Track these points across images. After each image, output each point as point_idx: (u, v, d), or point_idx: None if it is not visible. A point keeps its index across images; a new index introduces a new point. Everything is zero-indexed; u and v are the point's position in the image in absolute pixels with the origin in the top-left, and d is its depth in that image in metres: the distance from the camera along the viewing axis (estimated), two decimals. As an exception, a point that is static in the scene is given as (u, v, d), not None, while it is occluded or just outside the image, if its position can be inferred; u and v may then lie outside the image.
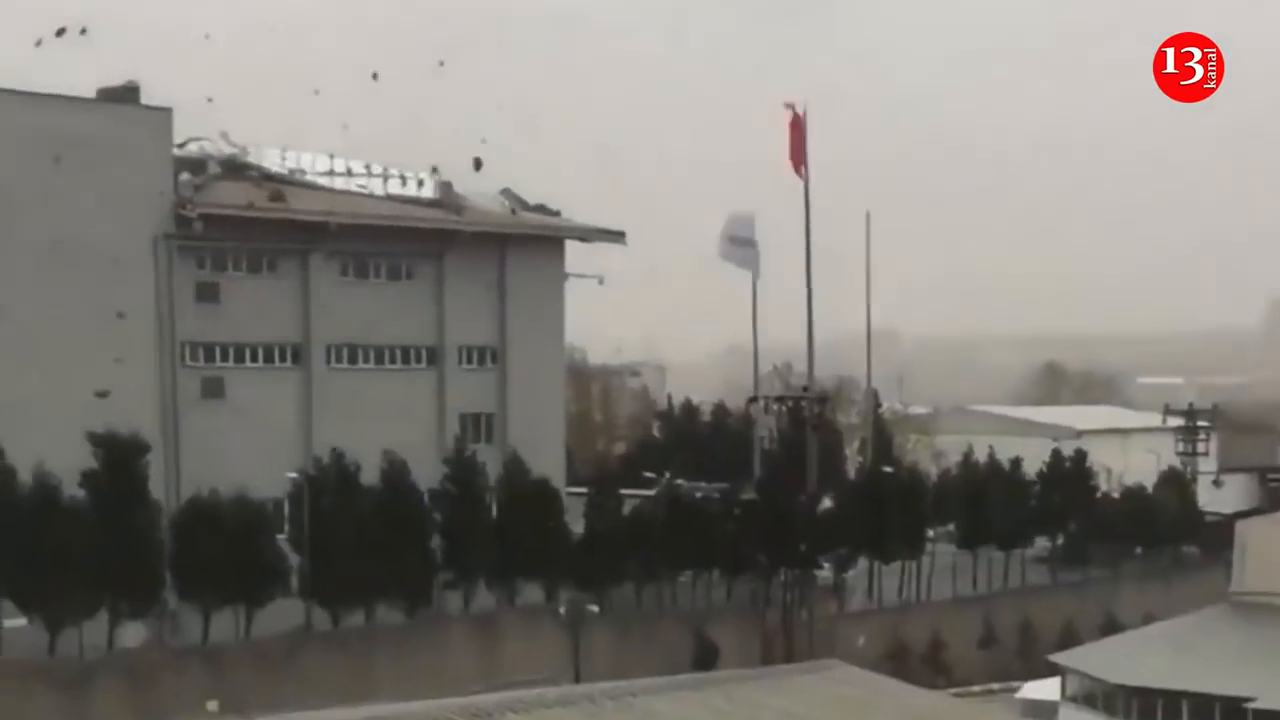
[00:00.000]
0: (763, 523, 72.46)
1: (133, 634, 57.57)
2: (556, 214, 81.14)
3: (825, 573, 76.12)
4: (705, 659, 66.80)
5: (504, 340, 78.19)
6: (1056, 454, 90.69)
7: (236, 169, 71.75)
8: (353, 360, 73.82)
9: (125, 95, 66.17)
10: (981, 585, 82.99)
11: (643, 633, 68.11)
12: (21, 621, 54.36)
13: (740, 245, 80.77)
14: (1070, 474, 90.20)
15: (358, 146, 74.09)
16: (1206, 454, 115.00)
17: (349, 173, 74.53)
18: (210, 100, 63.55)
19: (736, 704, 23.34)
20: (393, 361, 75.30)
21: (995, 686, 72.35)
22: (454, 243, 75.54)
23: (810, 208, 78.80)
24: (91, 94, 66.09)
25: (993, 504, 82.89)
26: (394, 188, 75.28)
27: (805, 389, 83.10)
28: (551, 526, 66.22)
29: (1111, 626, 78.18)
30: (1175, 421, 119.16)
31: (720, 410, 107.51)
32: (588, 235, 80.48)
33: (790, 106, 77.53)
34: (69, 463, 54.52)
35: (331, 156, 74.39)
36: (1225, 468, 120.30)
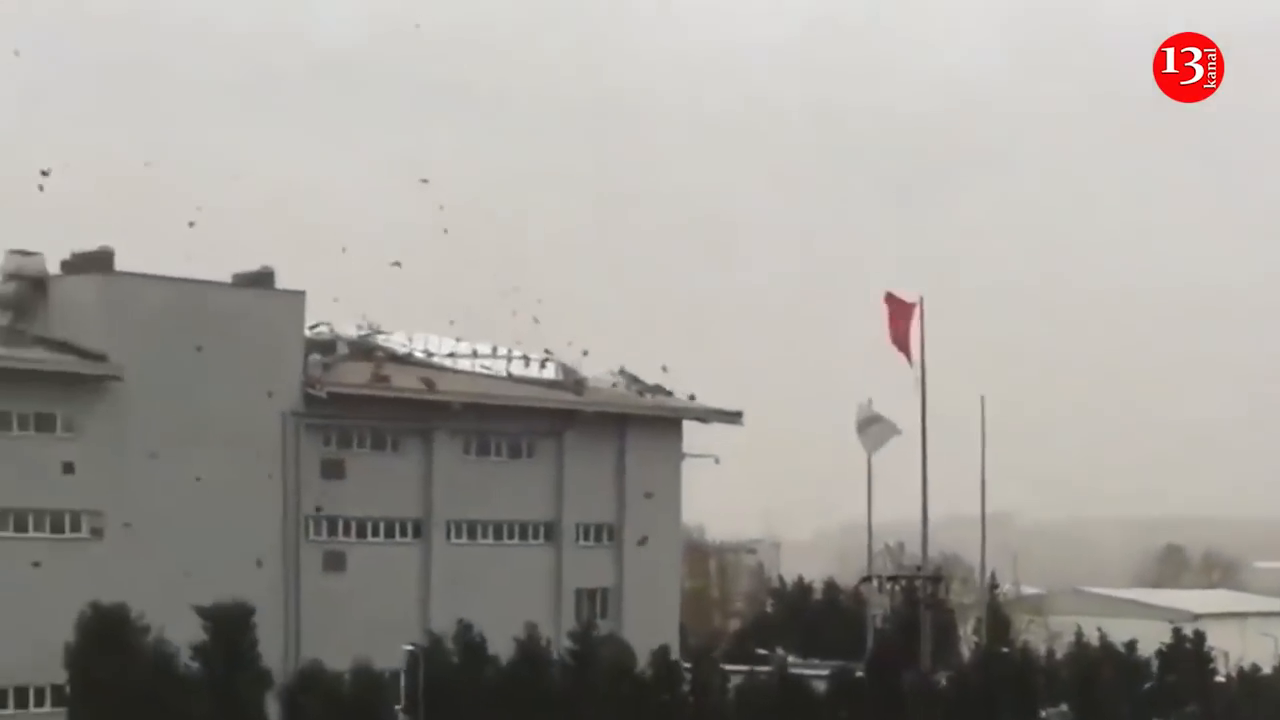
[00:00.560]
0: (874, 702, 72.64)
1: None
2: (671, 394, 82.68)
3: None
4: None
5: (621, 517, 79.56)
6: (1178, 635, 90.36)
7: (365, 350, 74.19)
8: (472, 535, 75.41)
9: (261, 279, 68.90)
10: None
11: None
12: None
13: (874, 425, 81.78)
14: (1187, 656, 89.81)
15: (482, 328, 76.39)
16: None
17: (474, 354, 76.78)
18: (336, 294, 66.03)
19: None
20: (511, 537, 76.80)
21: None
22: (573, 422, 77.31)
23: (925, 390, 79.87)
24: (228, 278, 68.94)
25: (1106, 686, 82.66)
26: (517, 368, 77.37)
27: (919, 568, 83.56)
28: (668, 699, 66.61)
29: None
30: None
31: (833, 588, 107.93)
32: (705, 416, 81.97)
33: (892, 296, 79.07)
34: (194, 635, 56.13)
35: (457, 339, 76.83)
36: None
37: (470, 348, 77.08)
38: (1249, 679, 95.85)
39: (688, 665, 73.12)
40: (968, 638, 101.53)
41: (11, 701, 61.95)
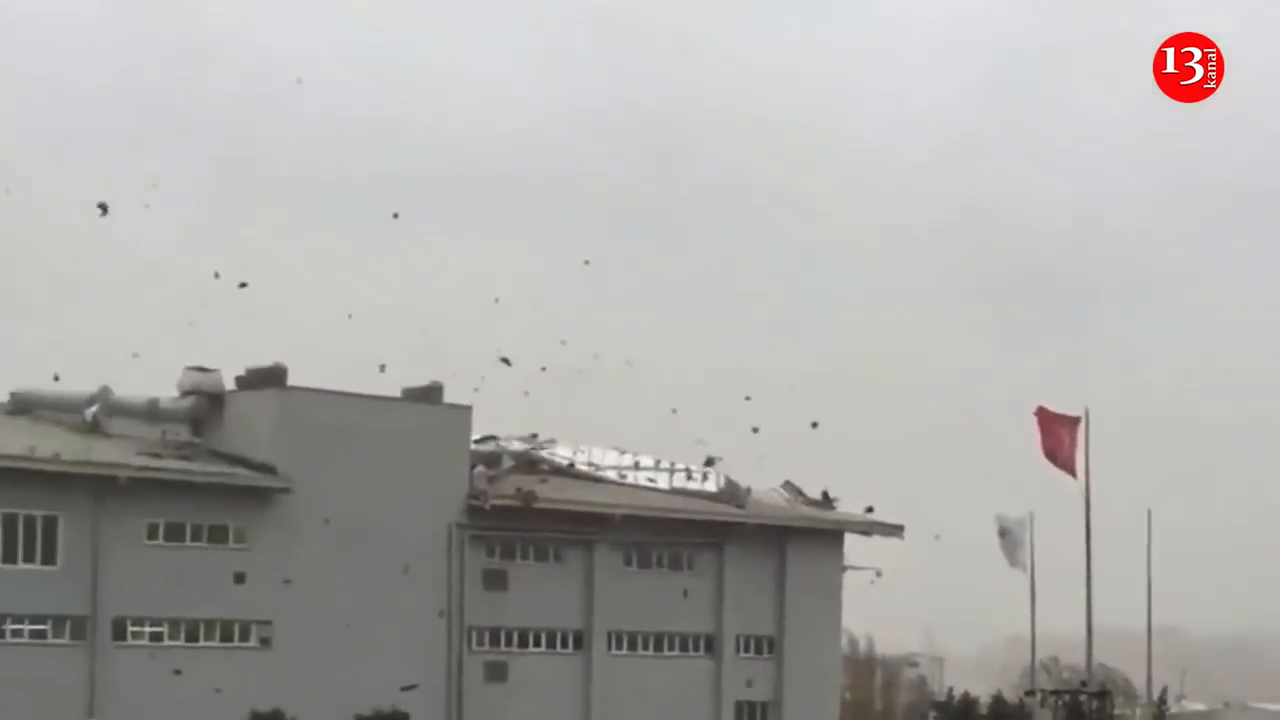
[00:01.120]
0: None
1: None
2: (833, 506, 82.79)
3: None
4: None
5: (782, 630, 79.60)
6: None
7: (529, 463, 75.28)
8: (633, 647, 75.82)
9: (429, 394, 70.29)
10: None
11: None
12: None
13: (1008, 539, 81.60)
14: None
15: (646, 440, 77.24)
16: None
17: (636, 466, 77.56)
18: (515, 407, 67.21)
19: None
20: (671, 648, 77.13)
21: None
22: (734, 534, 77.67)
23: (1090, 503, 79.34)
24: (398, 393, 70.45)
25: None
26: (679, 481, 77.99)
27: (1084, 683, 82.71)
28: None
29: None
30: None
31: (997, 702, 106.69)
32: (867, 529, 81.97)
33: (1045, 410, 78.76)
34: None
35: (621, 451, 77.74)
36: None
37: (633, 460, 77.90)
38: None
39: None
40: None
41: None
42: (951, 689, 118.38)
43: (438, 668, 69.36)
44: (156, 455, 64.41)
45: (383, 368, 63.46)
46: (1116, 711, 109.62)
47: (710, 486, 78.33)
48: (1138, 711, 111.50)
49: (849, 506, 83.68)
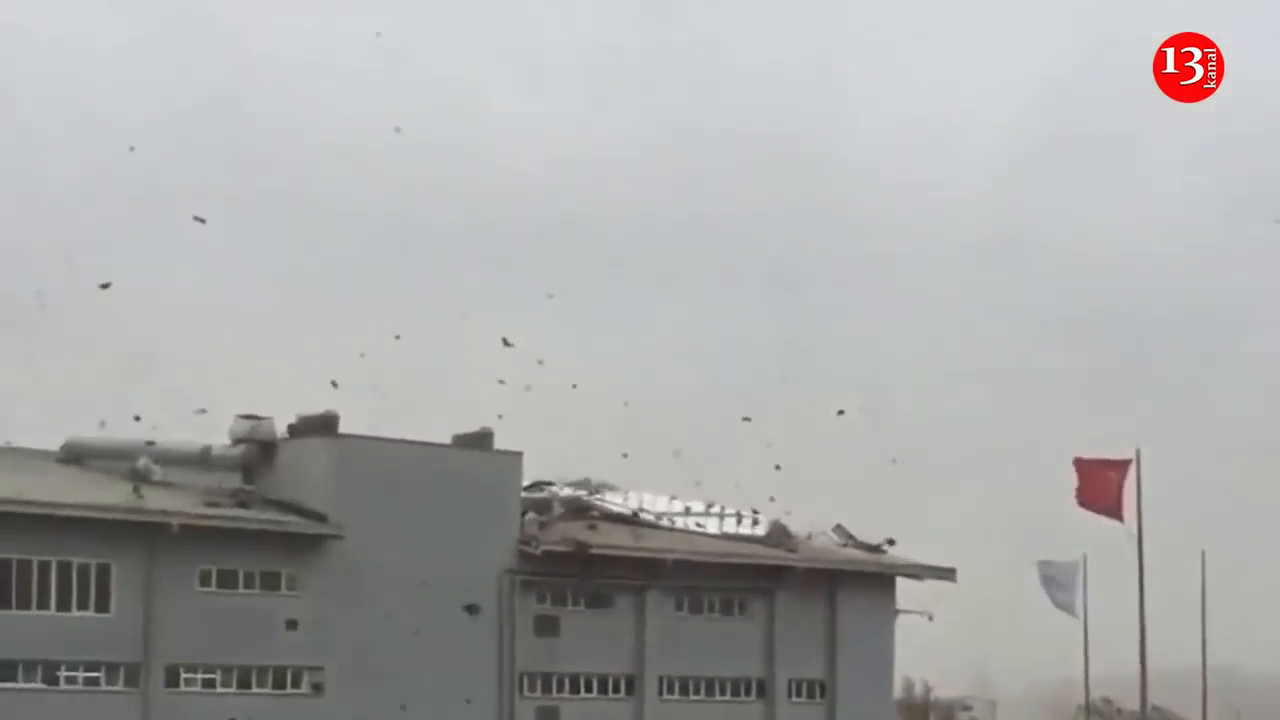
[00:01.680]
0: None
1: None
2: (884, 550, 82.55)
3: None
4: None
5: (834, 674, 79.32)
6: None
7: (580, 509, 75.34)
8: (684, 692, 75.67)
9: (480, 440, 70.48)
10: None
11: None
12: None
13: (1055, 587, 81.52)
14: None
15: (698, 486, 77.23)
16: None
17: (686, 511, 77.56)
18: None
19: None
20: (723, 693, 76.94)
21: None
22: (786, 578, 77.49)
23: (1143, 545, 79.07)
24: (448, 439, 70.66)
25: None
26: (729, 526, 77.95)
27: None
28: None
29: None
30: None
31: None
32: (919, 573, 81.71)
33: (1081, 460, 78.66)
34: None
35: (671, 497, 77.76)
36: None
37: (684, 505, 77.92)
38: None
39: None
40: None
41: None
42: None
43: (489, 714, 69.33)
44: (215, 504, 64.71)
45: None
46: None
47: (760, 530, 78.25)
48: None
49: (899, 549, 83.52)
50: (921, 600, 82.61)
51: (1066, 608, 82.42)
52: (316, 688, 66.05)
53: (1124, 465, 77.91)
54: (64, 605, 61.73)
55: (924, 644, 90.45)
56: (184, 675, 63.85)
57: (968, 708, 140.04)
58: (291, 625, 65.48)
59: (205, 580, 64.26)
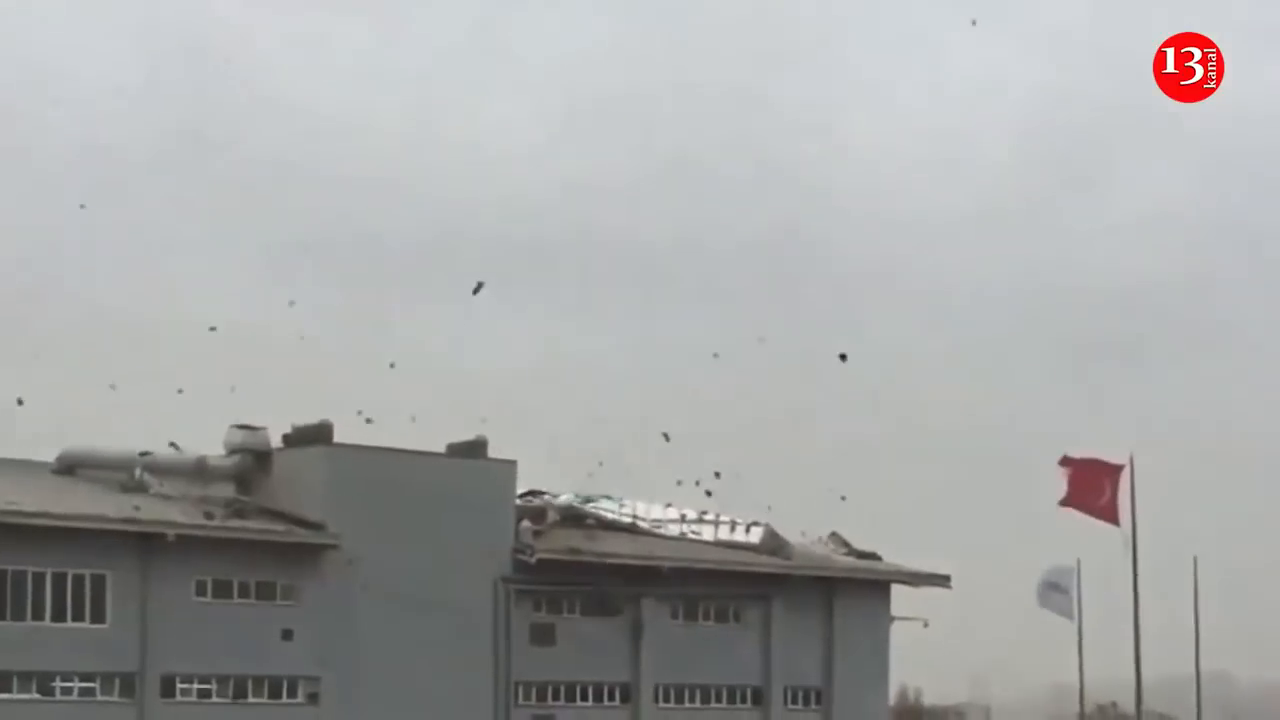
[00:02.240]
0: None
1: None
2: (879, 558, 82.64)
3: None
4: None
5: (829, 681, 79.37)
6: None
7: (575, 517, 75.32)
8: (679, 699, 75.66)
9: (474, 449, 70.47)
10: None
11: None
12: None
13: (1056, 592, 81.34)
14: None
15: (693, 495, 77.19)
16: None
17: (682, 519, 77.54)
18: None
19: None
20: (719, 700, 76.96)
21: None
22: (781, 586, 77.49)
23: (1136, 550, 78.96)
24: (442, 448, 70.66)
25: None
26: (724, 533, 77.90)
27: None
28: None
29: None
30: None
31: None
32: (913, 580, 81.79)
33: (1069, 458, 78.49)
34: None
35: (666, 504, 77.74)
36: None
37: (678, 513, 77.89)
38: None
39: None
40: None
41: None
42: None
43: (485, 721, 69.41)
44: (211, 514, 64.64)
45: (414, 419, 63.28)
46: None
47: (755, 539, 78.23)
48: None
49: (892, 557, 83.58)
50: (917, 607, 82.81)
51: (1063, 612, 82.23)
52: (312, 698, 66.02)
53: (1116, 469, 77.73)
54: (59, 616, 61.67)
55: (920, 651, 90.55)
56: (180, 685, 63.84)
57: (961, 714, 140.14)
58: (287, 635, 65.44)
59: (201, 590, 64.22)
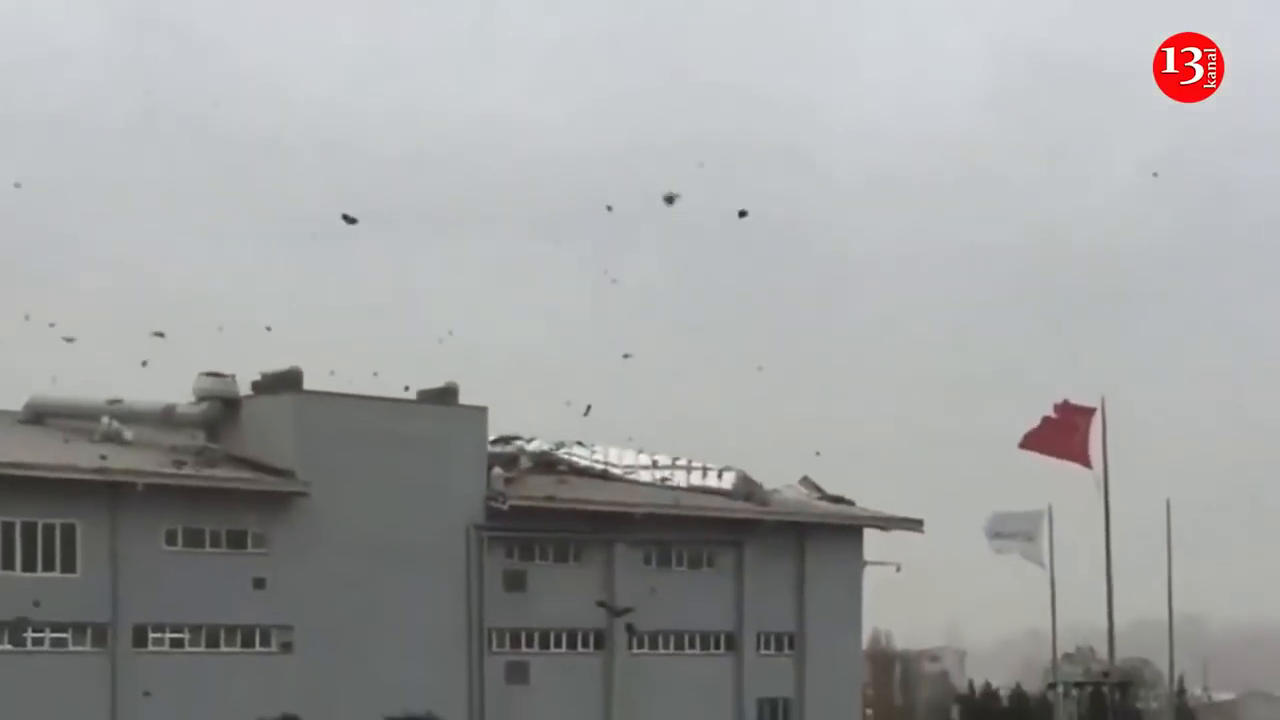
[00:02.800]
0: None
1: None
2: (852, 502, 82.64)
3: None
4: None
5: (802, 627, 79.41)
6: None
7: (546, 463, 75.16)
8: (653, 645, 75.59)
9: (445, 396, 70.17)
10: None
11: None
12: None
13: (1009, 539, 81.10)
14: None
15: (663, 440, 77.17)
16: None
17: (654, 465, 77.40)
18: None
19: None
20: (692, 646, 77.00)
21: None
22: (754, 531, 77.48)
23: (1109, 495, 79.02)
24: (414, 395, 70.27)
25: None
26: (696, 479, 77.79)
27: (1106, 674, 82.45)
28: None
29: None
30: None
31: (1019, 695, 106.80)
32: (886, 524, 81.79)
33: (1068, 404, 78.34)
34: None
35: (638, 451, 77.56)
36: None
37: (650, 459, 77.74)
38: None
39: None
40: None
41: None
42: (972, 682, 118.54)
43: (459, 669, 69.25)
44: (180, 463, 64.32)
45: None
46: (1142, 702, 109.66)
47: (728, 484, 78.14)
48: (1153, 704, 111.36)
49: (866, 502, 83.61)
50: (889, 552, 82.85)
51: (1030, 557, 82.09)
52: (285, 646, 65.90)
53: (1089, 412, 77.67)
54: (29, 566, 61.47)
55: (893, 596, 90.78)
56: (151, 635, 63.71)
57: (935, 658, 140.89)
58: (259, 584, 65.25)
59: (171, 539, 64.02)
